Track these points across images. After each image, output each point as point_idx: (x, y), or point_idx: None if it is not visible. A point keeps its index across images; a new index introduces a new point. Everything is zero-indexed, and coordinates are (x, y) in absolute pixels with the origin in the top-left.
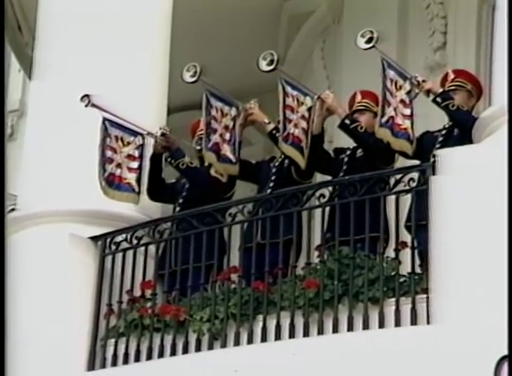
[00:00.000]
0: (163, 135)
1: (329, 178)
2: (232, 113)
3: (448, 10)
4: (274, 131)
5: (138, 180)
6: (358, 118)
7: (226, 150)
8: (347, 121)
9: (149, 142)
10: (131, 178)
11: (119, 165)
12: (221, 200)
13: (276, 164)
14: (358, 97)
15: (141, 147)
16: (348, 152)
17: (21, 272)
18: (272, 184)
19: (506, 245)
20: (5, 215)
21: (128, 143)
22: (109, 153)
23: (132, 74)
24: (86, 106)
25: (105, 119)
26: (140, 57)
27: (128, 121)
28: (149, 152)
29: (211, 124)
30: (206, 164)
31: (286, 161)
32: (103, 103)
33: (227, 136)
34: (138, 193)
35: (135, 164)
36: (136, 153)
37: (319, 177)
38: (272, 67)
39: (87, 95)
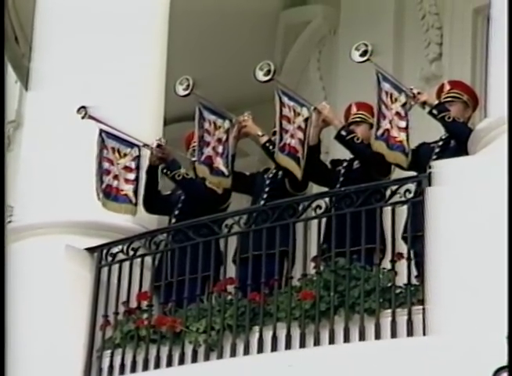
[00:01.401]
0: (158, 146)
1: (325, 189)
2: (225, 126)
3: (444, 21)
4: (267, 144)
5: (136, 191)
6: (355, 130)
7: (219, 163)
8: (343, 133)
9: (146, 154)
10: (128, 189)
11: (116, 177)
12: (216, 212)
13: (270, 175)
14: (354, 109)
15: (137, 159)
16: (345, 163)
17: (17, 283)
18: (265, 196)
19: (503, 256)
20: (5, 226)
21: (125, 155)
22: (106, 165)
23: (129, 85)
24: (83, 117)
25: (101, 131)
26: (136, 68)
27: (124, 132)
28: (145, 163)
29: (204, 137)
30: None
31: (280, 173)
32: (100, 115)
33: (220, 149)
34: (136, 204)
35: (131, 176)
36: (133, 165)
37: (316, 188)
38: (268, 78)
39: (84, 107)
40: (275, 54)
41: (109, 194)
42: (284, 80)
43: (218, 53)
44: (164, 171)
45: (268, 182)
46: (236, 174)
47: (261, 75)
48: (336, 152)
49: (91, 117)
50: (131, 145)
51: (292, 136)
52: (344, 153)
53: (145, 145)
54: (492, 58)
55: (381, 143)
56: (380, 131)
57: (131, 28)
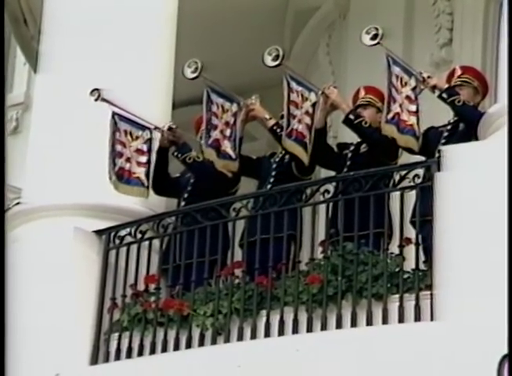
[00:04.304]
0: (170, 129)
1: (333, 173)
2: (232, 109)
3: (455, 7)
4: (275, 127)
5: (148, 174)
6: (362, 113)
7: (226, 146)
8: (351, 116)
9: (157, 137)
10: (140, 172)
11: (128, 160)
12: (226, 195)
13: (277, 159)
14: (362, 92)
15: (149, 142)
16: (352, 147)
17: (25, 265)
18: (272, 180)
19: (508, 242)
20: (4, 210)
21: (137, 138)
22: (118, 148)
23: (137, 69)
24: (96, 100)
25: (114, 113)
26: (145, 51)
27: (135, 115)
28: (156, 146)
29: (212, 121)
30: None
31: (287, 157)
32: (112, 97)
33: (227, 132)
34: (148, 187)
35: (143, 159)
36: (145, 148)
37: (324, 173)
38: (277, 63)
39: (97, 89)
40: (285, 38)
41: (122, 177)
42: (293, 64)
43: (227, 38)
44: (175, 154)
45: (274, 166)
46: (243, 157)
47: (269, 60)
48: (344, 136)
49: (103, 100)
50: (143, 128)
51: (299, 121)
52: (353, 138)
53: (156, 128)
54: (503, 44)
55: (392, 127)
56: (390, 115)
57: (140, 11)
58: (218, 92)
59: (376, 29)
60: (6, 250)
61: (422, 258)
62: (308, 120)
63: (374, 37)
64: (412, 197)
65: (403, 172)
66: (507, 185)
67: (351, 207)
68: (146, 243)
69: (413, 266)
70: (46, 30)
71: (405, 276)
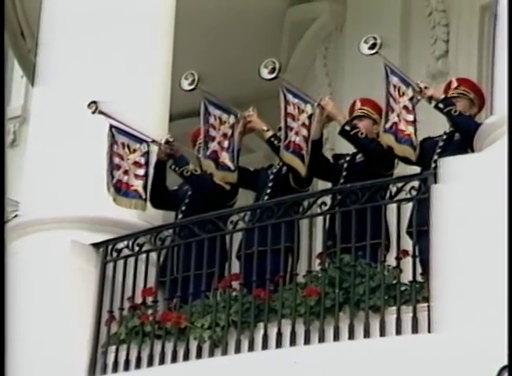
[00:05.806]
0: (167, 142)
1: (329, 185)
2: (230, 121)
3: (451, 18)
4: (272, 139)
5: (145, 187)
6: (357, 124)
7: (225, 158)
8: (347, 127)
9: (154, 150)
10: (138, 185)
11: (126, 172)
12: (224, 208)
13: (274, 171)
14: (358, 104)
15: (146, 154)
16: (348, 158)
17: (22, 278)
18: (269, 191)
19: (506, 254)
20: (5, 223)
21: (134, 150)
22: (116, 160)
23: (134, 81)
24: (93, 112)
25: (112, 126)
26: (142, 64)
27: (132, 127)
28: (154, 159)
29: (209, 132)
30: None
31: (284, 168)
32: (110, 110)
33: (225, 144)
34: (145, 199)
35: (141, 172)
36: (142, 161)
37: (321, 185)
38: (273, 75)
39: (94, 102)
40: (282, 50)
41: (120, 189)
42: (290, 76)
43: (224, 50)
44: (173, 167)
45: (271, 177)
46: (241, 169)
47: (265, 73)
48: (341, 148)
49: (101, 113)
50: (140, 140)
51: (296, 134)
52: (349, 151)
53: (153, 141)
54: (498, 55)
55: (390, 136)
56: (388, 125)
57: (137, 24)
58: (216, 103)
59: (375, 38)
60: (6, 263)
61: (419, 270)
62: (304, 132)
63: (372, 46)
64: (409, 207)
65: (400, 184)
66: (507, 196)
67: (348, 219)
68: (144, 256)
69: (410, 278)
70: (43, 44)
71: (403, 288)
